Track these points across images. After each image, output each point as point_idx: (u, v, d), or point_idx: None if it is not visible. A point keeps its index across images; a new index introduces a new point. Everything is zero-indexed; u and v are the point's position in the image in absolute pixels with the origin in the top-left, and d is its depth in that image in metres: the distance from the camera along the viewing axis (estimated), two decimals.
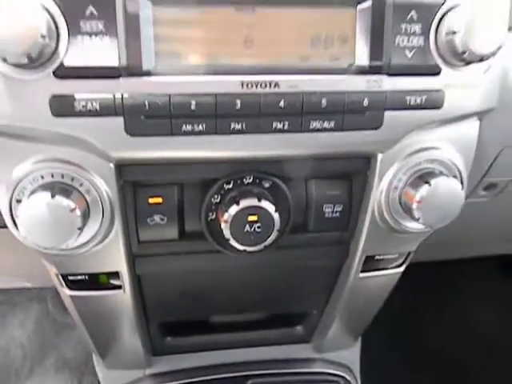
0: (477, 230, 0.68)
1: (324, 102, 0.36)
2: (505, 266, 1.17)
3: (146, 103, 0.34)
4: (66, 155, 0.37)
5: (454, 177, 0.42)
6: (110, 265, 0.45)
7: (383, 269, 0.52)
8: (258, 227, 0.41)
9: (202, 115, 0.35)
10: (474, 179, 0.51)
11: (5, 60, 0.31)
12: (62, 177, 0.37)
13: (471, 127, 0.42)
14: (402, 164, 0.42)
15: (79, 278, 0.46)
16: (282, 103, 0.36)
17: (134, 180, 0.41)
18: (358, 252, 0.48)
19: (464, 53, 0.35)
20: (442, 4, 0.36)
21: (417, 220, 0.41)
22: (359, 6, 0.35)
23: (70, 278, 0.46)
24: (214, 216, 0.43)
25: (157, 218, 0.43)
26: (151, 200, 0.43)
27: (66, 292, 0.48)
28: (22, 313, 1.06)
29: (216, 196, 0.42)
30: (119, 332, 0.56)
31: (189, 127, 0.35)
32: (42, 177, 0.37)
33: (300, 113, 0.36)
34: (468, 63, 0.37)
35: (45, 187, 0.36)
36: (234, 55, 0.35)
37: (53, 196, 0.35)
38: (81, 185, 0.38)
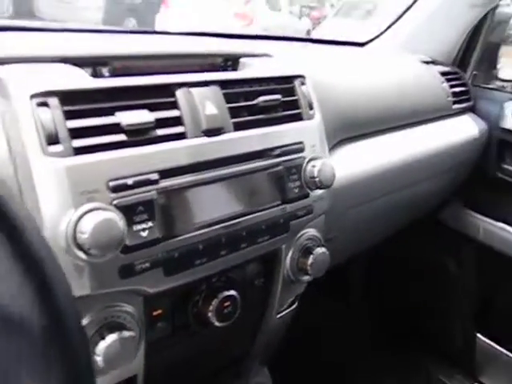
0: None
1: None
2: None
3: None
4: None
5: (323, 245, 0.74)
6: None
7: (289, 307, 0.81)
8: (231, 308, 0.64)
9: None
10: None
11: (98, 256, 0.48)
12: (118, 317, 0.53)
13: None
14: (295, 246, 0.72)
15: None
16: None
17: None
18: (276, 300, 0.76)
19: (318, 188, 0.68)
20: (304, 164, 0.68)
21: (310, 275, 0.72)
22: (268, 171, 0.64)
23: None
24: (196, 310, 0.64)
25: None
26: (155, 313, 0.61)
27: None
28: None
29: (200, 296, 0.63)
30: None
31: None
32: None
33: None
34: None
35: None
36: None
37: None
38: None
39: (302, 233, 0.73)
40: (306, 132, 0.69)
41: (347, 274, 1.60)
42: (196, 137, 0.57)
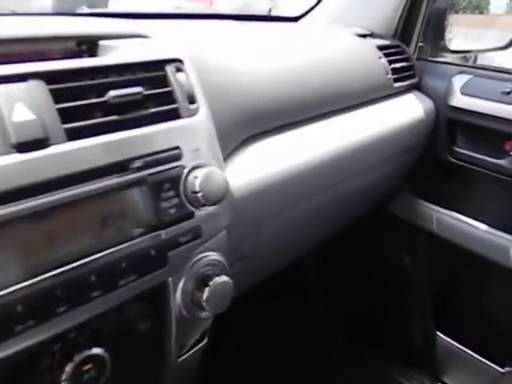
0: None
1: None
2: None
3: None
4: None
5: (227, 274, 0.59)
6: None
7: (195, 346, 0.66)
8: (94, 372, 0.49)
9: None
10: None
11: None
12: None
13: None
14: (188, 275, 0.56)
15: None
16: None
17: None
18: (172, 344, 0.61)
19: (205, 204, 0.53)
20: (183, 175, 0.52)
21: (207, 311, 0.57)
22: (125, 191, 0.48)
23: None
24: (48, 379, 0.48)
25: None
26: None
27: None
28: None
29: (52, 359, 0.48)
30: None
31: None
32: None
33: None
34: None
35: None
36: None
37: None
38: None
39: (196, 259, 0.57)
40: (185, 133, 0.53)
41: (303, 272, 1.48)
42: (3, 154, 0.41)
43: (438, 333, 1.24)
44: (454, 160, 1.07)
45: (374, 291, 1.36)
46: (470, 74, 1.06)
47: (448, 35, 1.42)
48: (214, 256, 0.59)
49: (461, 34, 1.68)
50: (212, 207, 0.55)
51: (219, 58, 0.66)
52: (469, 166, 1.04)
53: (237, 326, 1.28)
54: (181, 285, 0.56)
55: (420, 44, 1.20)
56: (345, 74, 0.91)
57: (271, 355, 1.30)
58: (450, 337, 1.22)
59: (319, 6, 1.17)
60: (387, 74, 1.00)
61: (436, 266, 1.21)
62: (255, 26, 0.98)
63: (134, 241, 0.49)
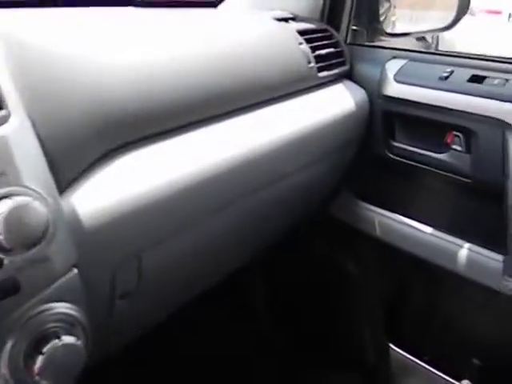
0: None
1: None
2: None
3: None
4: None
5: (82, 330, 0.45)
6: None
7: None
8: None
9: None
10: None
11: None
12: None
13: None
14: (18, 339, 0.42)
15: None
16: None
17: None
18: None
19: (12, 249, 0.38)
20: None
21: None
22: None
23: None
24: None
25: None
26: None
27: None
28: None
29: None
30: None
31: None
32: None
33: None
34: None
35: None
36: None
37: None
38: None
39: (30, 315, 0.43)
40: None
41: (241, 283, 1.35)
42: None
43: (391, 345, 1.13)
44: (392, 156, 0.96)
45: (318, 301, 1.24)
46: (404, 58, 0.94)
47: (391, 18, 1.31)
48: (59, 308, 0.45)
49: (406, 16, 1.58)
50: (36, 249, 0.41)
51: (59, 49, 0.52)
52: (409, 162, 0.93)
53: (166, 343, 1.15)
54: (7, 350, 0.42)
55: (354, 28, 1.08)
56: (257, 64, 0.78)
57: (209, 374, 1.17)
58: (403, 349, 1.11)
59: None
60: (309, 62, 0.87)
61: (383, 273, 1.10)
62: (151, 13, 0.84)
63: None
